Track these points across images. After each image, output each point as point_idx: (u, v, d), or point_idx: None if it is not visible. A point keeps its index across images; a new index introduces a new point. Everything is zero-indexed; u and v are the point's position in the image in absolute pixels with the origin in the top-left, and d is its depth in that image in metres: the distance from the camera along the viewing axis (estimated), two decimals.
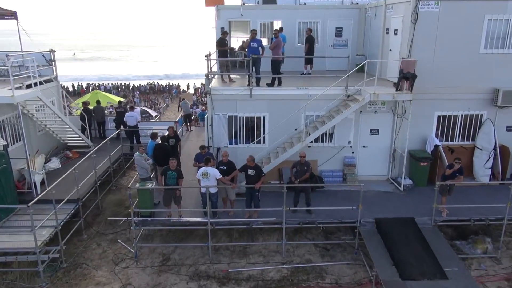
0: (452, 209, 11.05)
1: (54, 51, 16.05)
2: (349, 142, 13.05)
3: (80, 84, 54.91)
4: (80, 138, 15.97)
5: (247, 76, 12.55)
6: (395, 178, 13.25)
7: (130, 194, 10.07)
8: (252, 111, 12.80)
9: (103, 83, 55.53)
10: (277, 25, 16.98)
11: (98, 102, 18.10)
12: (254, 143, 12.95)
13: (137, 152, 11.34)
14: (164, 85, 55.71)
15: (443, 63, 12.43)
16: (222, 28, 16.50)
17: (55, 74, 16.01)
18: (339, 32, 16.94)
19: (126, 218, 11.02)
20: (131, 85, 55.62)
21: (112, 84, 55.65)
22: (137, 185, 10.85)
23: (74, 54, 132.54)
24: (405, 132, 12.54)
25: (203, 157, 11.06)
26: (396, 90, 11.66)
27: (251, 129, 13.03)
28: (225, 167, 10.71)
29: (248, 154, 12.62)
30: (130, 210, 10.16)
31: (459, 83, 12.61)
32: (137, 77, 74.79)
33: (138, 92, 51.30)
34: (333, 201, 11.61)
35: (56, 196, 11.31)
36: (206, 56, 12.25)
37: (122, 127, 17.05)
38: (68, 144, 16.17)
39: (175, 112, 38.18)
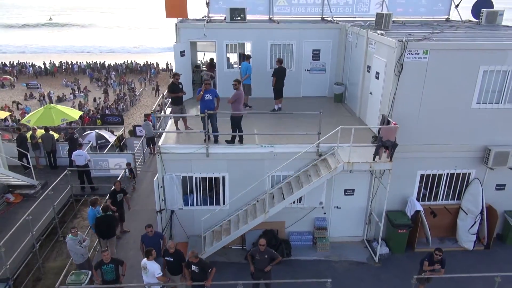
0: None
1: None
2: (321, 203, 11.54)
3: (52, 62, 51.54)
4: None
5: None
6: (370, 241, 11.93)
7: None
8: (210, 171, 11.11)
9: (76, 62, 52.32)
10: (247, 47, 14.98)
11: (46, 129, 16.05)
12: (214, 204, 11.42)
13: (69, 235, 9.68)
14: (141, 64, 52.74)
15: (430, 119, 10.78)
16: (182, 52, 14.43)
17: None
18: (316, 55, 15.02)
19: None
20: (107, 64, 52.53)
21: (86, 62, 52.49)
22: (69, 278, 9.30)
23: (50, 18, 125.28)
24: (383, 194, 11.06)
25: (150, 241, 9.52)
26: (374, 159, 10.05)
27: (209, 190, 11.43)
28: (172, 259, 9.18)
29: (205, 217, 11.14)
30: None
31: (446, 140, 11.03)
32: (114, 49, 71.33)
33: (114, 73, 48.43)
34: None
35: None
36: (153, 112, 10.36)
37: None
38: (10, 184, 14.35)
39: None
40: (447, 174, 11.55)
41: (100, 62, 52.90)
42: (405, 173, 11.30)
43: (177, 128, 11.77)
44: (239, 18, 14.65)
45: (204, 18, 16.18)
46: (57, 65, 51.40)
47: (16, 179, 13.68)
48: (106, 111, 34.29)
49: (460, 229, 11.74)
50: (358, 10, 16.58)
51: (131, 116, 36.36)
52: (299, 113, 10.85)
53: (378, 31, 11.74)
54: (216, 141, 10.99)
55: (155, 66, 52.04)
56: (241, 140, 11.01)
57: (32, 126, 17.61)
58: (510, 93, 10.67)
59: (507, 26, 14.75)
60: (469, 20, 16.75)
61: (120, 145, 20.12)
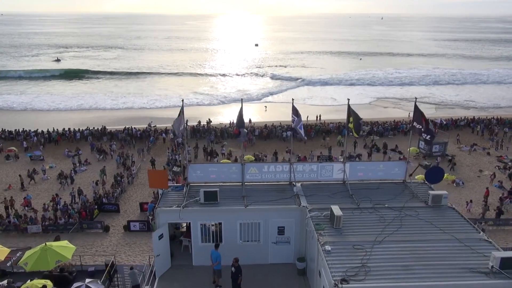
0: None
1: None
2: None
3: (56, 130, 53.88)
4: None
5: None
6: None
7: None
8: None
9: (79, 129, 54.54)
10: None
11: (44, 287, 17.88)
12: None
13: None
14: (141, 130, 54.83)
15: None
16: (161, 235, 16.24)
17: None
18: (281, 231, 16.79)
19: None
20: (108, 130, 54.69)
21: (89, 129, 54.67)
22: None
23: (57, 59, 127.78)
24: None
25: None
26: None
27: None
28: None
29: None
30: None
31: None
32: (120, 107, 73.88)
33: (114, 144, 50.44)
34: None
35: None
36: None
37: None
38: None
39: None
40: None
41: (101, 128, 54.96)
42: None
43: None
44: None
45: (183, 185, 18.12)
46: (60, 132, 53.67)
47: None
48: (104, 199, 36.07)
49: None
50: (323, 175, 18.44)
51: (128, 200, 37.96)
52: None
53: (326, 247, 13.48)
54: None
55: (153, 132, 54.02)
56: None
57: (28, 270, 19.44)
58: None
59: (452, 208, 16.47)
60: (424, 182, 18.52)
61: (110, 276, 21.73)
